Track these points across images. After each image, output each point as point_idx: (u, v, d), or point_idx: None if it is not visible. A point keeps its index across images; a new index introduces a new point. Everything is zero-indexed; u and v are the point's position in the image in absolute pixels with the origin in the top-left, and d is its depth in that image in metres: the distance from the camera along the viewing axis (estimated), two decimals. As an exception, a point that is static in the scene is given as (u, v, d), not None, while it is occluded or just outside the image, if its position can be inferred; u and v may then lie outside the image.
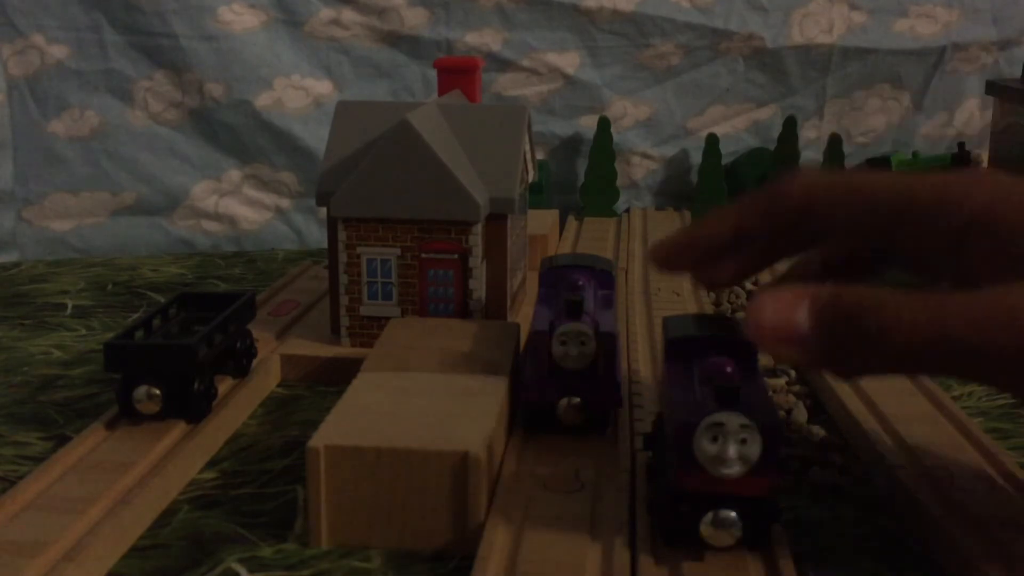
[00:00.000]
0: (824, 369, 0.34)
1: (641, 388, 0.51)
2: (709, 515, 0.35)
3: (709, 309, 0.65)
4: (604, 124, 0.94)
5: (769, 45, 0.97)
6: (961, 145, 0.95)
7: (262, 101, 0.90)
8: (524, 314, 0.61)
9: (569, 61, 0.96)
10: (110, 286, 0.77)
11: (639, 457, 0.43)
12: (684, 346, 0.40)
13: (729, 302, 0.67)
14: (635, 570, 0.35)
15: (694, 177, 0.99)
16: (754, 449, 0.34)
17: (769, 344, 0.33)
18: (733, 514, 0.35)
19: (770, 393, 0.37)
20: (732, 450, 0.33)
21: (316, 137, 0.90)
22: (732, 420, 0.33)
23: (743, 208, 0.39)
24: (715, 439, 0.34)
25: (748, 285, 0.68)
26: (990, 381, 0.34)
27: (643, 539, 0.36)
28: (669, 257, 0.40)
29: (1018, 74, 0.91)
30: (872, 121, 1.02)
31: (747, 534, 0.35)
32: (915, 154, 0.99)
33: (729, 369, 0.37)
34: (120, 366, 0.46)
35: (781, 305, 0.32)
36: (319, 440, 0.38)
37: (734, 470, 0.34)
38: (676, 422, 0.35)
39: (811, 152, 0.99)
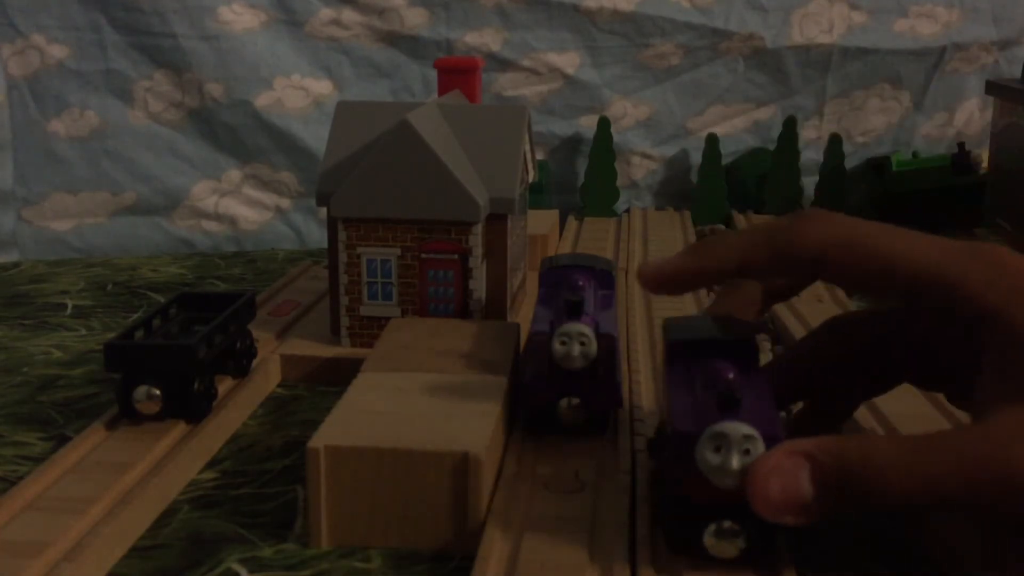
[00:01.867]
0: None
1: (641, 388, 0.51)
2: (712, 526, 0.34)
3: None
4: (604, 124, 0.94)
5: (769, 45, 0.97)
6: (961, 145, 0.95)
7: (262, 101, 0.90)
8: (524, 314, 0.61)
9: (569, 61, 0.96)
10: (110, 286, 0.77)
11: (639, 457, 0.43)
12: (685, 349, 0.39)
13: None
14: (635, 571, 0.35)
15: (694, 177, 0.99)
16: None
17: (776, 516, 0.32)
18: (737, 526, 0.34)
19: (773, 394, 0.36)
20: (735, 461, 0.32)
21: (316, 137, 0.90)
22: (735, 430, 0.32)
23: (750, 246, 0.36)
24: (718, 449, 0.33)
25: None
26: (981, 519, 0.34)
27: (643, 540, 0.36)
28: (662, 283, 0.38)
29: (1018, 74, 0.91)
30: (872, 121, 1.02)
31: (752, 545, 0.34)
32: (915, 154, 0.99)
33: (731, 375, 0.36)
34: (120, 366, 0.46)
35: (785, 480, 0.32)
36: (319, 440, 0.38)
37: (736, 481, 0.32)
38: (677, 432, 0.34)
39: (811, 152, 0.99)
